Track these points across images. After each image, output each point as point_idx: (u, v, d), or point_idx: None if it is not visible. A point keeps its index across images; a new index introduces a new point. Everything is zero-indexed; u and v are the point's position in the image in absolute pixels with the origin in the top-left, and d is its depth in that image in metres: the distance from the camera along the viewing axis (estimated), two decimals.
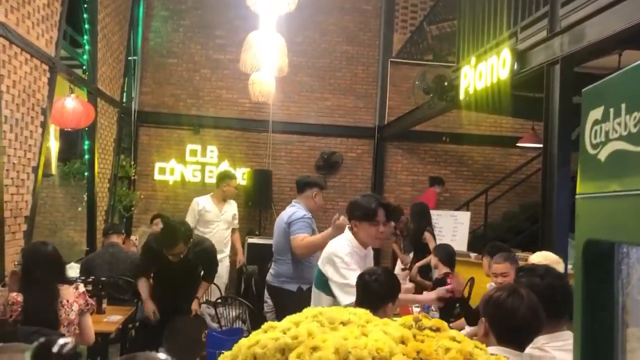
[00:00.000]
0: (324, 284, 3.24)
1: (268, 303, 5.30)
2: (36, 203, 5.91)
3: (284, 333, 1.15)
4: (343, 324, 1.20)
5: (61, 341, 0.78)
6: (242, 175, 9.67)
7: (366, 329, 1.17)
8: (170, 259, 4.52)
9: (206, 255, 4.86)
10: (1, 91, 4.98)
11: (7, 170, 5.19)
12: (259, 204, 9.38)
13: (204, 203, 6.67)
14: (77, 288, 3.41)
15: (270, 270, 4.87)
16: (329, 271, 3.19)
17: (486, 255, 4.80)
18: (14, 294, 3.25)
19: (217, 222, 6.67)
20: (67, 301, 3.30)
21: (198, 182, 9.68)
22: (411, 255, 7.12)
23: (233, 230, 7.03)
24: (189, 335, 4.61)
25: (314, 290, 3.49)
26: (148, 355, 0.85)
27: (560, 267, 3.30)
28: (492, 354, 1.24)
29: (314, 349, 1.06)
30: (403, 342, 1.14)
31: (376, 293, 2.73)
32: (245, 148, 9.87)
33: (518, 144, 8.38)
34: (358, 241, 3.35)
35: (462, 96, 6.38)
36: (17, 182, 5.47)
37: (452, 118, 9.42)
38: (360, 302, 2.76)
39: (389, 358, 1.06)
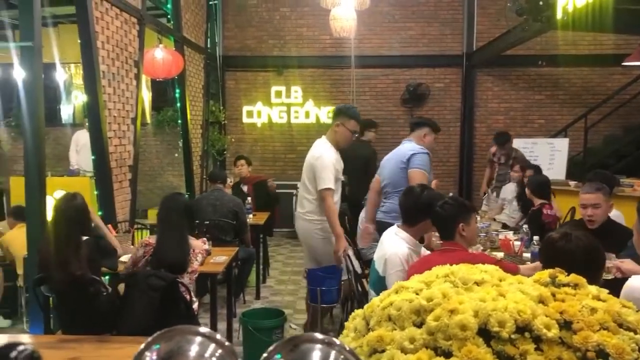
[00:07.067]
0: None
1: None
2: (137, 152, 6.22)
3: (417, 294, 1.14)
4: (477, 283, 1.17)
5: (20, 347, 0.84)
6: (326, 114, 9.67)
7: (502, 289, 1.14)
8: None
9: None
10: (97, 47, 5.18)
11: (109, 123, 5.46)
12: None
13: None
14: (204, 242, 3.65)
15: (381, 207, 4.64)
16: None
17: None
18: (149, 236, 3.57)
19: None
20: (193, 251, 3.55)
21: (284, 123, 9.79)
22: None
23: None
24: None
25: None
26: (185, 328, 0.88)
27: None
28: None
29: (452, 311, 1.05)
30: (542, 302, 1.10)
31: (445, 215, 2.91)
32: (328, 86, 9.79)
33: (624, 63, 7.69)
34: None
35: (559, 15, 5.92)
36: (119, 134, 5.76)
37: (546, 39, 8.79)
38: (439, 231, 3.01)
39: (531, 320, 1.03)
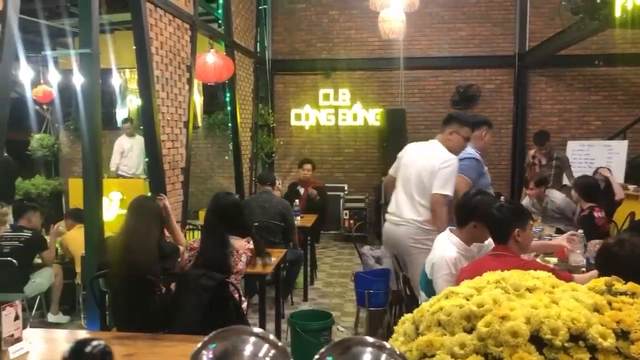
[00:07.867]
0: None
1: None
2: (189, 155, 6.36)
3: (467, 300, 1.14)
4: (529, 290, 1.15)
5: (94, 342, 0.87)
6: (374, 116, 9.65)
7: (554, 296, 1.11)
8: None
9: None
10: (151, 53, 5.33)
11: (162, 126, 5.61)
12: (393, 144, 9.28)
13: None
14: (248, 242, 3.63)
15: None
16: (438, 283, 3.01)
17: None
18: (193, 240, 3.63)
19: None
20: (237, 252, 3.51)
21: (332, 125, 9.83)
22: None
23: None
24: None
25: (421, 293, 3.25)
26: (240, 328, 0.89)
27: None
28: None
29: (504, 318, 1.03)
30: (597, 310, 1.07)
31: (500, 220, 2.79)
32: (376, 88, 9.76)
33: None
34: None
35: (618, 13, 5.71)
36: (172, 137, 5.91)
37: (604, 38, 8.51)
38: (493, 235, 2.88)
39: (586, 329, 1.01)
